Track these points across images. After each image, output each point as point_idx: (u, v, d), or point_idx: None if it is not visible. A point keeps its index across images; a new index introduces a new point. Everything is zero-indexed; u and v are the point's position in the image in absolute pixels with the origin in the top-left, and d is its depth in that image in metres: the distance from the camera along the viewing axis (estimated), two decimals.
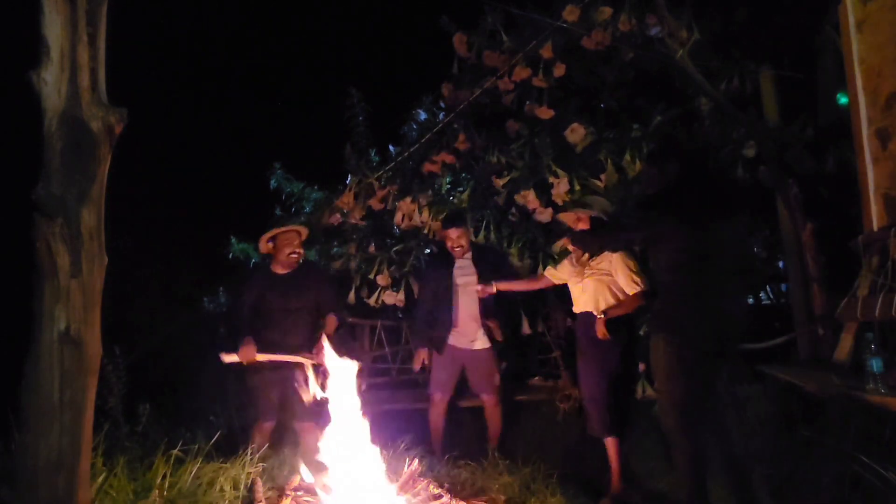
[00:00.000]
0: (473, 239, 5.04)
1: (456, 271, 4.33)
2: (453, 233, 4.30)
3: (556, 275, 4.02)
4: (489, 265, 4.32)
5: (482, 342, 4.26)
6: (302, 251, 3.97)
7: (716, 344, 2.85)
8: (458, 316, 4.27)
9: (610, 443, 3.61)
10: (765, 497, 2.80)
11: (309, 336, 3.89)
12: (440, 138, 5.41)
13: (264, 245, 3.97)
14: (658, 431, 4.28)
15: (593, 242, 3.47)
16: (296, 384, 3.68)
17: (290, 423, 3.88)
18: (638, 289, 3.62)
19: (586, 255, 3.82)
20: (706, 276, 2.82)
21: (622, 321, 3.70)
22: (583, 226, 3.81)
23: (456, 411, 4.68)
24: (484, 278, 4.19)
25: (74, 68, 2.03)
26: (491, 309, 4.26)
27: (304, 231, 4.03)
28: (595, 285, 3.75)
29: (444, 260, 4.43)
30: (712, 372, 2.95)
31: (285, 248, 3.88)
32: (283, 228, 3.93)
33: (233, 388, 4.91)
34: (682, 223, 2.83)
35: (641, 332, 4.11)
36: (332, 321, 3.94)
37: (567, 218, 3.99)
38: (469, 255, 4.34)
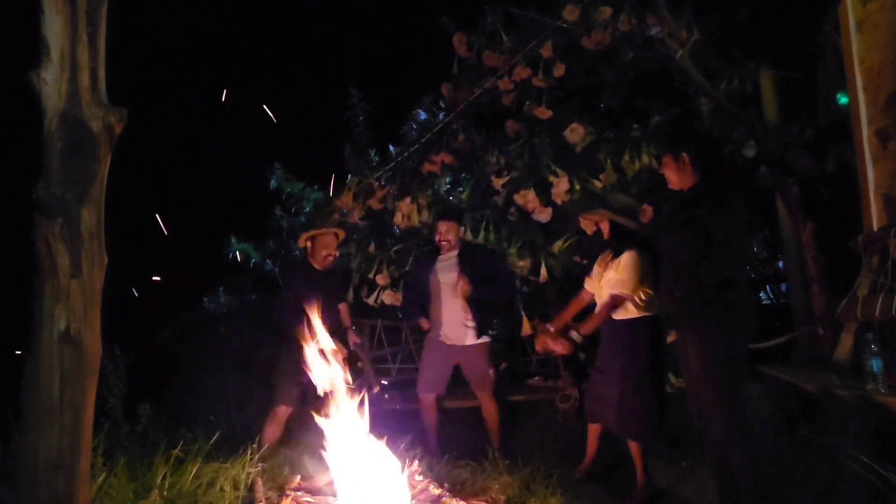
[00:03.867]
0: (472, 239, 5.04)
1: (439, 267, 4.30)
2: (442, 226, 4.29)
3: (591, 284, 3.84)
4: (478, 268, 4.24)
5: (473, 338, 4.21)
6: (337, 254, 4.24)
7: (751, 339, 2.82)
8: (443, 312, 4.24)
9: (637, 446, 3.53)
10: (763, 496, 2.79)
11: (334, 329, 3.98)
12: (440, 138, 5.41)
13: (303, 241, 4.23)
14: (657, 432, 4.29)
15: None
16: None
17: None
18: (617, 291, 3.51)
19: (609, 258, 3.75)
20: (734, 265, 2.79)
21: (647, 322, 3.55)
22: (605, 229, 3.74)
23: (456, 411, 4.68)
24: (468, 275, 4.15)
25: (74, 68, 2.03)
26: (479, 305, 4.23)
27: (342, 234, 4.30)
28: (608, 292, 3.64)
29: (431, 257, 4.42)
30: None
31: (322, 249, 4.14)
32: (323, 230, 4.19)
33: (233, 388, 4.91)
34: (714, 209, 2.77)
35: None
36: (344, 307, 4.32)
37: (587, 224, 3.88)
38: (455, 252, 4.29)
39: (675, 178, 3.02)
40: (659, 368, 3.67)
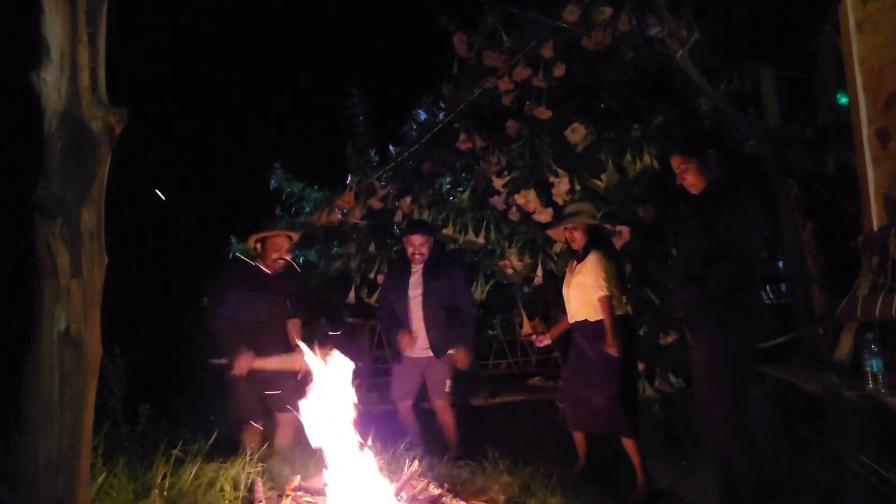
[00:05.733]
0: (473, 238, 5.04)
1: (412, 280, 4.27)
2: (416, 239, 4.21)
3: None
4: (444, 280, 4.21)
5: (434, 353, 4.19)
6: (289, 257, 3.92)
7: (761, 340, 2.82)
8: (412, 325, 4.21)
9: (632, 442, 3.57)
10: (764, 497, 2.79)
11: (287, 337, 3.90)
12: (440, 138, 5.41)
13: (253, 243, 3.96)
14: (658, 432, 4.30)
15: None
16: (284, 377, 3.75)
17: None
18: (602, 293, 3.59)
19: (574, 264, 3.83)
20: (745, 269, 2.78)
21: (623, 320, 3.70)
22: (579, 237, 3.80)
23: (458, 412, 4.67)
24: (432, 292, 4.15)
25: (74, 68, 2.02)
26: (443, 319, 4.19)
27: (295, 236, 4.03)
28: (577, 295, 3.77)
29: (404, 266, 4.35)
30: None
31: (273, 252, 3.86)
32: (274, 232, 3.91)
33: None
34: (726, 212, 2.76)
35: (641, 332, 4.10)
36: (294, 324, 3.94)
37: (558, 234, 3.99)
38: (421, 266, 4.26)
39: (698, 181, 2.99)
40: (634, 365, 3.84)
